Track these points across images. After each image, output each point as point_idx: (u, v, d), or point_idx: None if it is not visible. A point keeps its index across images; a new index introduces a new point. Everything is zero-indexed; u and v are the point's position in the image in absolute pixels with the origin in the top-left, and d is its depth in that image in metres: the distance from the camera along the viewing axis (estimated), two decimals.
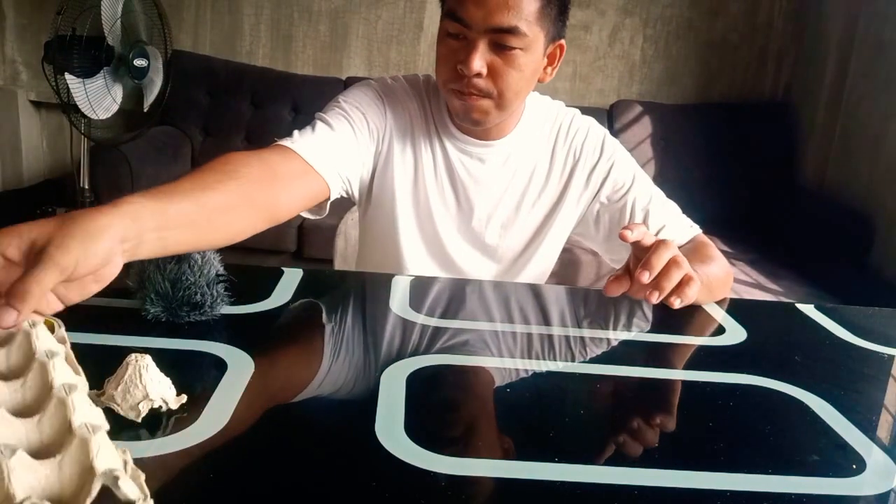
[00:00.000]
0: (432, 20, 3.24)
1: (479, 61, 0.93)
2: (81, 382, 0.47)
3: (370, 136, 1.04)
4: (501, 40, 0.92)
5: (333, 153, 0.97)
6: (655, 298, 0.81)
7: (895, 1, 2.68)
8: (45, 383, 0.46)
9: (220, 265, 0.77)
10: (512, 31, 0.91)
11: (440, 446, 0.56)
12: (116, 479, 0.39)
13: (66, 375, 0.47)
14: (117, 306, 0.77)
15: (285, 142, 0.95)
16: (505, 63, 0.94)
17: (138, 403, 0.55)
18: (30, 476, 0.39)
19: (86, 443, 0.40)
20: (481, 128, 1.03)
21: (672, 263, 0.82)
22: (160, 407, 0.56)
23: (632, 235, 0.82)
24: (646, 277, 0.80)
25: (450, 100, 1.00)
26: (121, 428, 0.54)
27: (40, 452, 0.41)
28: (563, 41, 1.01)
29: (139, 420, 0.55)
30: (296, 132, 0.98)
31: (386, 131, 1.05)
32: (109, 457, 0.41)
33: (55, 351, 0.49)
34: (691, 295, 0.83)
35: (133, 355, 0.57)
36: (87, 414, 0.44)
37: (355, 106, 1.03)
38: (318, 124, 0.99)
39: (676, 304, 0.82)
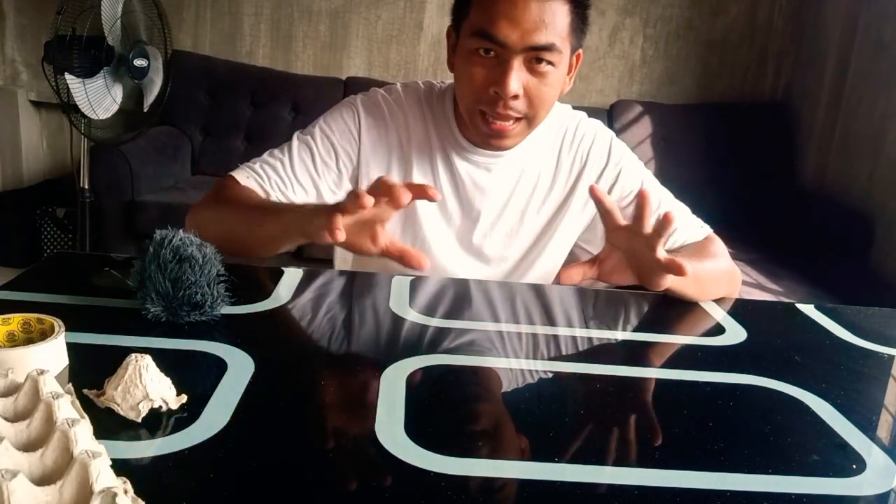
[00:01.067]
0: (432, 20, 3.24)
1: (517, 83, 0.90)
2: (85, 422, 0.47)
3: (338, 166, 1.04)
4: (537, 58, 0.90)
5: (285, 191, 1.01)
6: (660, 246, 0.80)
7: (895, 1, 2.68)
8: (50, 420, 0.47)
9: (221, 265, 0.77)
10: (549, 48, 0.89)
11: (440, 446, 0.56)
12: (114, 496, 0.39)
13: (70, 413, 0.48)
14: (117, 306, 0.77)
15: (240, 177, 0.99)
16: (539, 82, 0.92)
17: (138, 403, 0.55)
18: (30, 499, 0.39)
19: (85, 467, 0.40)
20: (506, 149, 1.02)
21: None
22: (160, 407, 0.56)
23: (599, 195, 0.83)
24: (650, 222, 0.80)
25: (475, 121, 0.97)
26: (121, 428, 0.54)
27: (42, 482, 0.42)
28: (580, 50, 0.99)
29: (139, 420, 0.55)
30: (257, 163, 1.02)
31: (360, 156, 1.04)
32: (109, 481, 0.41)
33: (60, 393, 0.49)
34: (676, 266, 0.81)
35: (133, 355, 0.57)
36: (88, 445, 0.44)
37: (327, 135, 1.03)
38: (281, 157, 1.02)
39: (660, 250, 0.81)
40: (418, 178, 1.06)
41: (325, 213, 0.73)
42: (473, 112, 0.96)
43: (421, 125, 1.05)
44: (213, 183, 1.03)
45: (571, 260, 1.07)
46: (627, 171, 1.08)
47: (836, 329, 0.92)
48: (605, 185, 1.08)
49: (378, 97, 1.06)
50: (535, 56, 0.90)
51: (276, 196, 1.00)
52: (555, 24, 0.89)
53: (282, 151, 1.03)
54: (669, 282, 0.86)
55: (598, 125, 1.11)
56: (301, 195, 1.02)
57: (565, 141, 1.08)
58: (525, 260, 1.12)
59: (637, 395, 0.71)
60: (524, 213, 1.09)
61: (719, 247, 1.06)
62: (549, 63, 0.91)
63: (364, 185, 1.05)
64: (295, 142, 1.04)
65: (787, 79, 3.34)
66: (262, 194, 0.99)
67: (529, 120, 0.96)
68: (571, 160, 1.08)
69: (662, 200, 1.08)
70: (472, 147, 1.04)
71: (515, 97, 0.91)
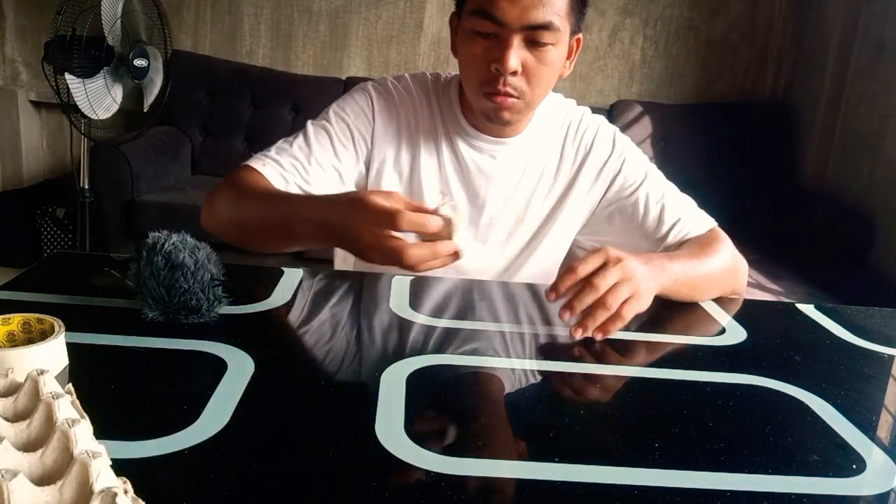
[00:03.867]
0: (432, 20, 3.24)
1: (515, 59, 0.92)
2: (85, 422, 0.47)
3: (355, 147, 1.05)
4: (536, 37, 0.92)
5: (304, 176, 1.00)
6: (579, 335, 0.80)
7: (895, 1, 2.68)
8: (50, 420, 0.47)
9: (216, 267, 0.77)
10: (547, 26, 0.91)
11: (440, 446, 0.56)
12: (114, 496, 0.39)
13: (70, 413, 0.48)
14: (117, 306, 0.77)
15: (256, 164, 0.98)
16: (538, 60, 0.93)
17: None
18: (30, 499, 0.39)
19: (85, 467, 0.40)
20: (508, 127, 1.03)
21: (598, 304, 0.79)
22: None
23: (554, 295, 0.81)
24: (566, 315, 0.80)
25: (479, 101, 0.98)
26: (121, 428, 0.54)
27: (42, 482, 0.41)
28: (580, 34, 1.01)
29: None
30: (273, 150, 1.01)
31: (374, 138, 1.05)
32: (109, 481, 0.41)
33: (60, 393, 0.49)
34: (613, 330, 0.81)
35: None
36: (88, 445, 0.44)
37: (342, 117, 1.04)
38: (297, 142, 1.02)
39: (598, 337, 0.81)
40: (425, 163, 1.07)
41: (362, 217, 0.74)
42: (478, 93, 0.97)
43: (428, 112, 1.07)
44: (226, 175, 1.00)
45: (568, 259, 1.07)
46: (631, 162, 1.10)
47: (836, 329, 0.92)
48: (609, 175, 1.10)
49: (388, 84, 1.09)
50: (534, 34, 0.91)
51: (294, 182, 0.99)
52: (553, 2, 0.90)
53: (296, 138, 1.03)
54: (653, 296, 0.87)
55: (601, 119, 1.13)
56: (320, 179, 1.01)
57: (570, 132, 1.10)
58: (527, 248, 1.13)
59: (637, 395, 0.71)
60: (529, 201, 1.10)
61: (720, 244, 1.05)
62: (548, 42, 0.92)
63: (375, 169, 1.07)
64: (310, 128, 1.04)
65: (787, 79, 3.34)
66: (280, 182, 0.97)
67: (527, 99, 0.97)
68: (575, 150, 1.10)
69: (666, 194, 1.09)
70: (476, 133, 1.06)
71: (515, 73, 0.93)
